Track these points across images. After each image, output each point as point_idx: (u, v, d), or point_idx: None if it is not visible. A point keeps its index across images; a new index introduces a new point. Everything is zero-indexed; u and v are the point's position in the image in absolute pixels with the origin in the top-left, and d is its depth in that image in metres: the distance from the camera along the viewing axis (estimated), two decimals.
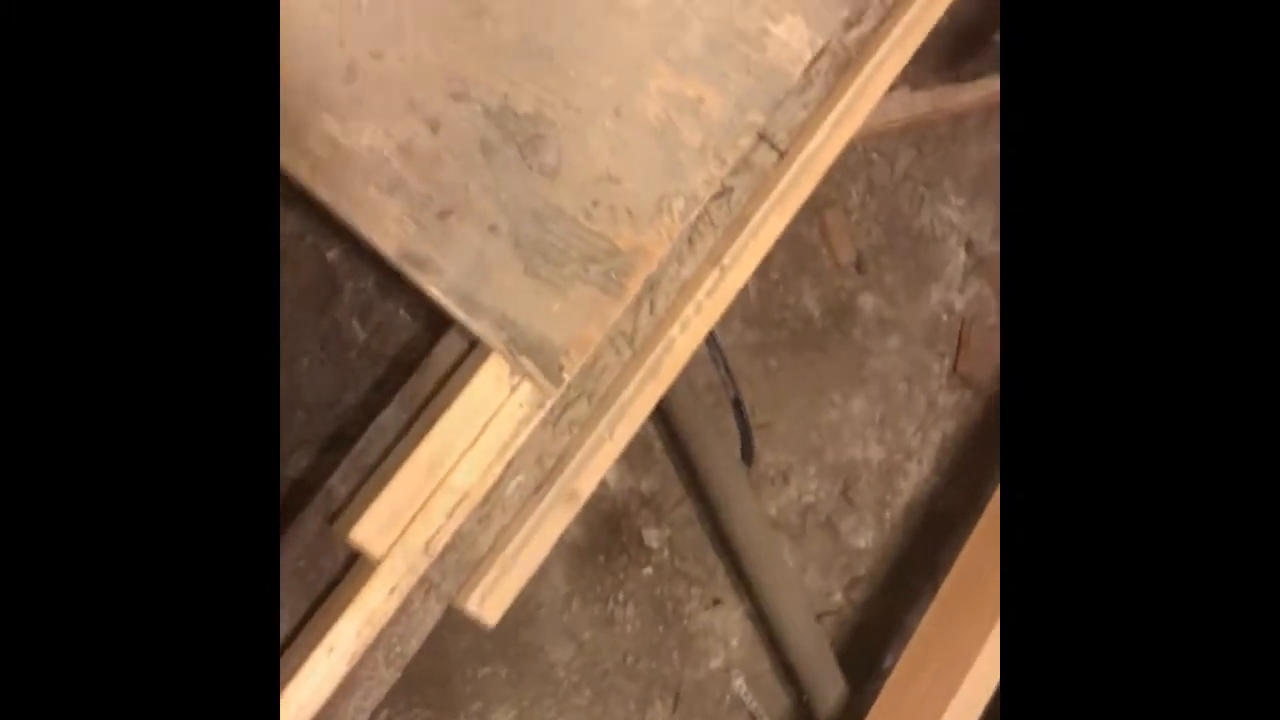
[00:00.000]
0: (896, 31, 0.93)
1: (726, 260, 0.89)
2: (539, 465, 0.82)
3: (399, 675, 0.81)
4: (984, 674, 1.20)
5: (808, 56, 0.88)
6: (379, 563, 0.76)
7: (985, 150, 1.48)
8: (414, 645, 0.81)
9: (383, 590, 0.77)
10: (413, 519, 0.77)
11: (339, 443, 0.79)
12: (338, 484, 0.78)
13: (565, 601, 1.25)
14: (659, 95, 0.83)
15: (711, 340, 1.28)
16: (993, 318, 1.50)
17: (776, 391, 1.39)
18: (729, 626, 1.34)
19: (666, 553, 1.31)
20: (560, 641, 1.25)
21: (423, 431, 0.77)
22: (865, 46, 0.93)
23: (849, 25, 0.92)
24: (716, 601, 1.33)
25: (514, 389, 0.79)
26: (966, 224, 1.48)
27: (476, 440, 0.78)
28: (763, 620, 1.34)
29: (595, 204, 0.81)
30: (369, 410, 0.80)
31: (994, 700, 1.19)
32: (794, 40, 0.88)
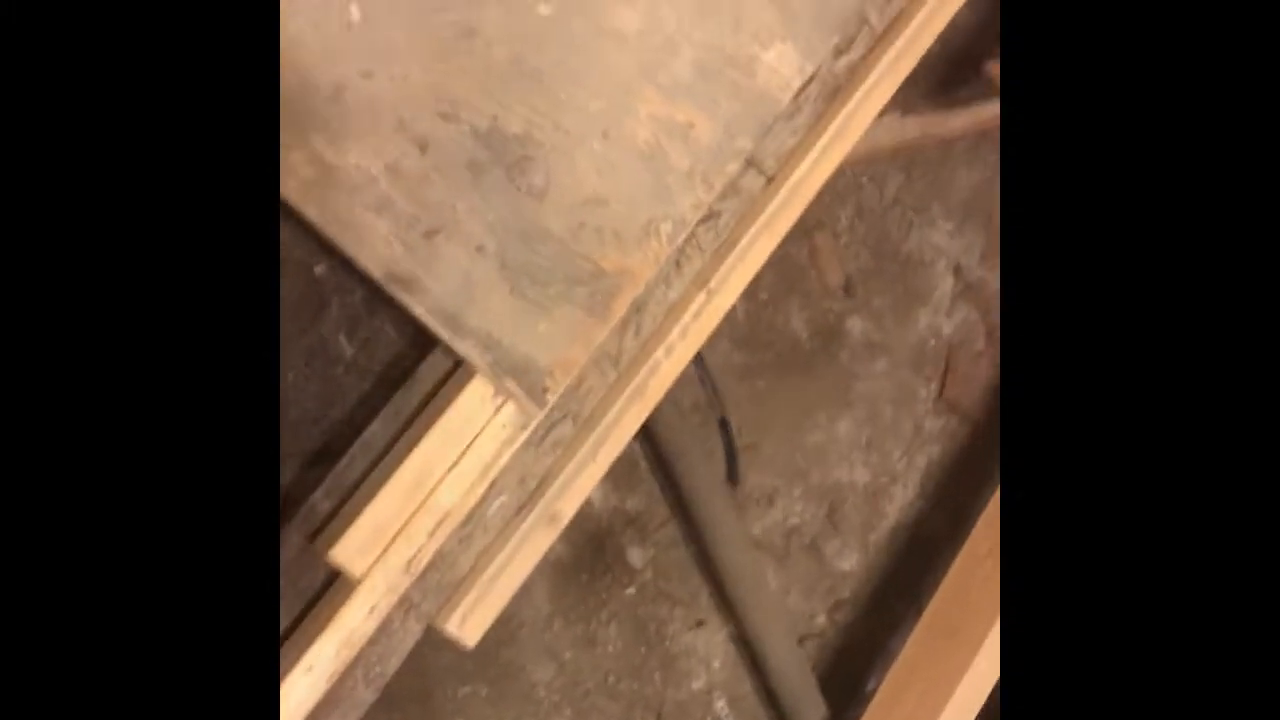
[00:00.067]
0: (886, 60, 0.94)
1: (713, 284, 0.89)
2: (522, 486, 0.82)
3: (377, 695, 0.80)
4: (967, 699, 1.20)
5: (797, 83, 0.89)
6: (359, 582, 0.76)
7: (974, 176, 1.49)
8: (393, 665, 0.81)
9: (362, 610, 0.77)
10: (394, 538, 0.77)
11: (324, 458, 0.79)
12: (320, 500, 0.78)
13: (547, 621, 1.25)
14: (648, 119, 0.83)
15: (699, 361, 1.29)
16: (980, 343, 1.51)
17: (763, 413, 1.39)
18: (711, 648, 1.34)
19: (650, 573, 1.31)
20: (542, 661, 1.24)
21: (406, 451, 0.77)
22: (854, 74, 0.94)
23: (838, 53, 0.93)
24: (699, 623, 1.33)
25: (498, 410, 0.79)
26: (955, 249, 1.49)
27: (459, 460, 0.78)
28: (745, 643, 1.34)
29: (582, 226, 0.81)
30: (354, 426, 0.80)
31: None
32: (783, 67, 0.88)
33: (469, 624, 0.81)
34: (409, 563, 0.78)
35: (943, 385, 1.48)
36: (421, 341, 0.81)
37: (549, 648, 1.25)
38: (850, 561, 1.44)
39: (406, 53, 0.76)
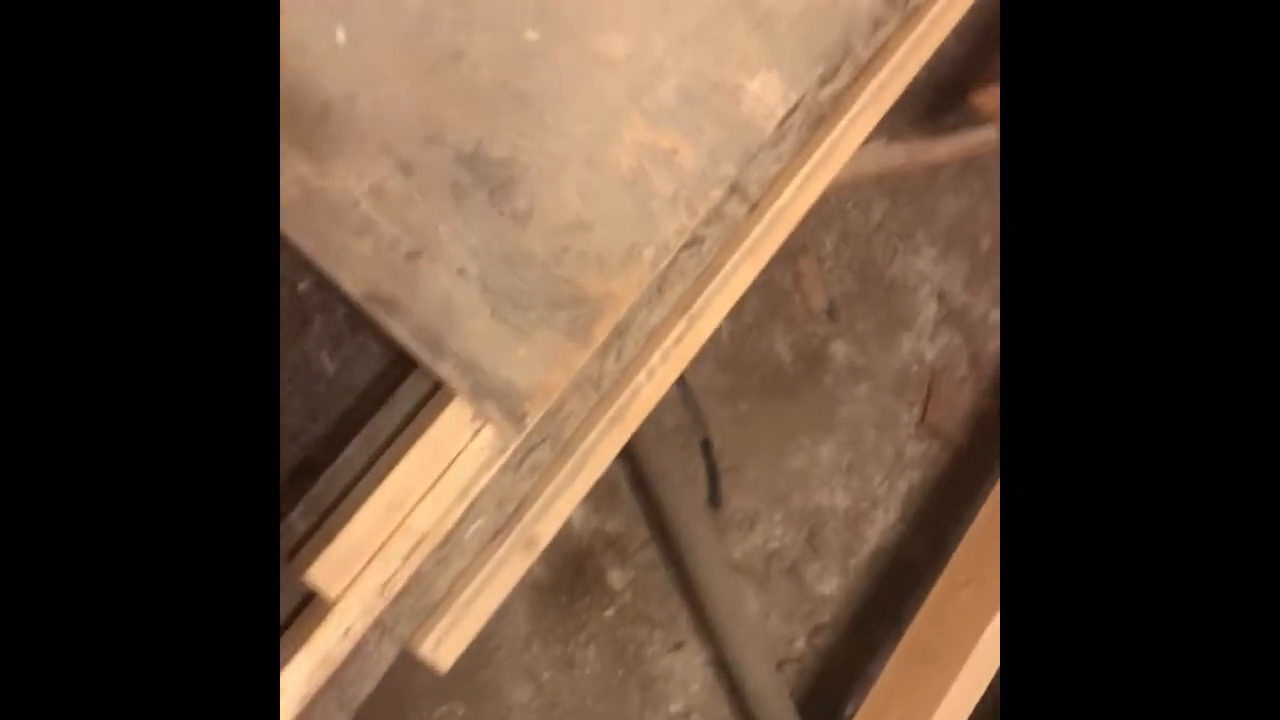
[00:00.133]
0: (870, 89, 0.95)
1: (695, 309, 0.89)
2: (499, 510, 0.82)
3: (351, 718, 0.80)
4: None
5: (781, 111, 0.89)
6: (334, 604, 0.76)
7: (959, 203, 1.50)
8: (367, 688, 0.80)
9: (337, 632, 0.76)
10: (370, 560, 0.77)
11: (303, 475, 0.79)
12: (297, 520, 0.78)
13: (525, 642, 1.24)
14: (633, 145, 0.84)
15: (682, 383, 1.29)
16: (962, 369, 1.51)
17: (746, 436, 1.40)
18: (690, 671, 1.34)
19: (630, 595, 1.30)
20: (519, 682, 1.24)
21: (383, 472, 0.77)
22: (839, 103, 0.94)
23: (823, 81, 0.93)
24: (679, 645, 1.33)
25: (476, 433, 0.78)
26: (939, 275, 1.50)
27: (437, 483, 0.78)
28: (723, 667, 1.34)
29: (565, 250, 0.81)
30: (335, 443, 0.80)
31: None
32: (768, 95, 0.89)
33: (443, 648, 0.81)
34: (384, 585, 0.77)
35: (925, 410, 1.49)
36: (403, 361, 0.81)
37: (527, 669, 1.25)
38: (830, 586, 1.44)
39: (392, 75, 0.76)
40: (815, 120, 0.93)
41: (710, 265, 0.90)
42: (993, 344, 1.54)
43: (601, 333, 0.82)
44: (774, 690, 1.33)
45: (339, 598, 0.76)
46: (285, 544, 0.77)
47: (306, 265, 0.78)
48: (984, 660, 1.18)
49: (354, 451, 0.79)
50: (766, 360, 1.41)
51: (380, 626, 0.79)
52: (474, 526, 0.81)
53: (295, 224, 0.73)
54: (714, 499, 1.36)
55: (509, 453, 0.80)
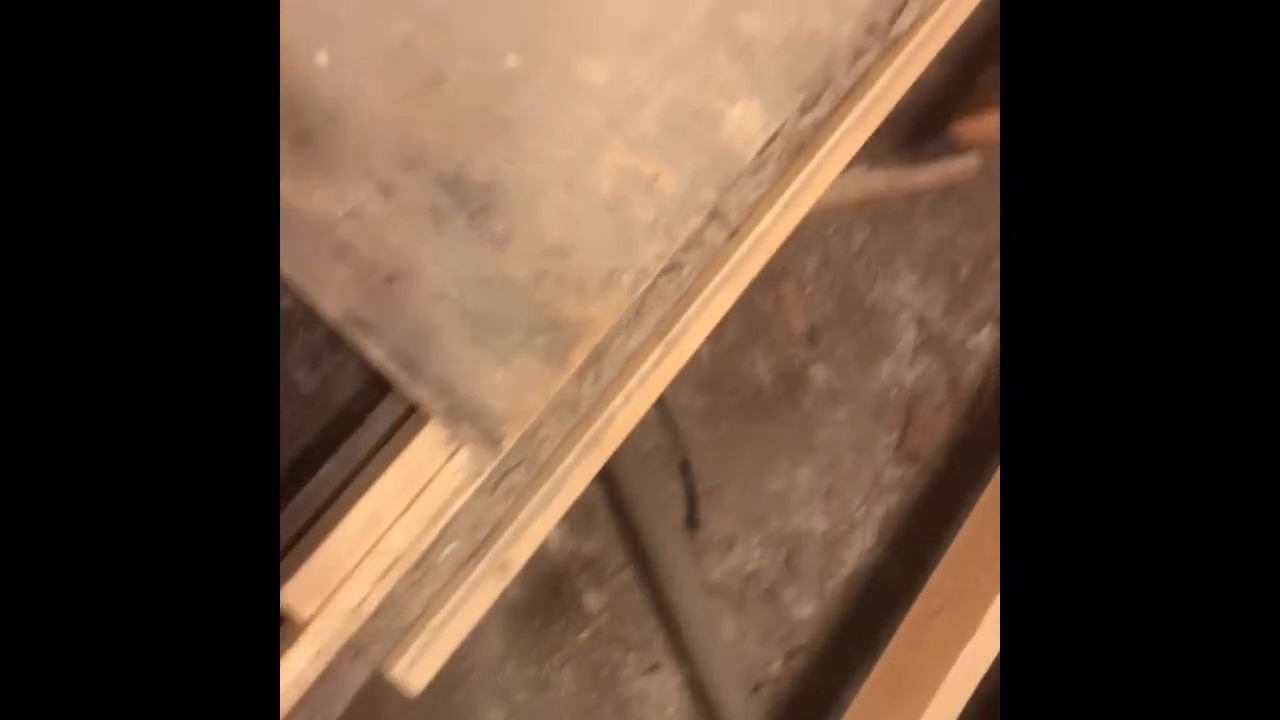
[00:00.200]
0: (851, 118, 0.95)
1: (673, 334, 0.89)
2: (474, 533, 0.82)
3: None
4: None
5: (762, 139, 0.90)
6: (306, 625, 0.75)
7: (939, 230, 1.51)
8: (337, 710, 0.80)
9: (308, 653, 0.76)
10: (343, 582, 0.77)
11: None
12: None
13: (500, 663, 1.24)
14: (614, 170, 0.84)
15: (661, 404, 1.29)
16: (941, 395, 1.52)
17: (725, 457, 1.40)
18: (665, 694, 1.33)
19: (606, 617, 1.30)
20: (493, 703, 1.23)
21: (358, 494, 0.77)
22: (819, 131, 0.95)
23: (804, 110, 0.94)
24: (654, 668, 1.33)
25: (451, 455, 0.79)
26: (918, 301, 1.51)
27: (411, 505, 0.78)
28: (698, 690, 1.33)
29: (544, 275, 0.81)
30: (312, 462, 0.80)
31: None
32: (749, 123, 0.89)
33: (416, 670, 0.81)
34: (357, 606, 0.77)
35: (903, 435, 1.49)
36: (381, 381, 0.81)
37: (501, 690, 1.24)
38: (807, 609, 1.44)
39: (374, 98, 0.76)
40: (795, 148, 0.94)
41: (689, 290, 0.91)
42: (971, 370, 1.55)
43: (579, 357, 0.82)
44: (748, 715, 1.33)
45: (311, 618, 0.76)
46: None
47: (285, 284, 0.78)
48: (957, 687, 1.18)
49: (329, 472, 0.79)
50: (747, 382, 1.42)
51: (353, 648, 0.79)
52: (448, 549, 0.81)
53: None
54: (692, 521, 1.36)
55: (484, 476, 0.81)
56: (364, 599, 0.77)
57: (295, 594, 0.75)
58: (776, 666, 1.42)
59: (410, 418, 0.80)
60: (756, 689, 1.40)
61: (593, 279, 0.83)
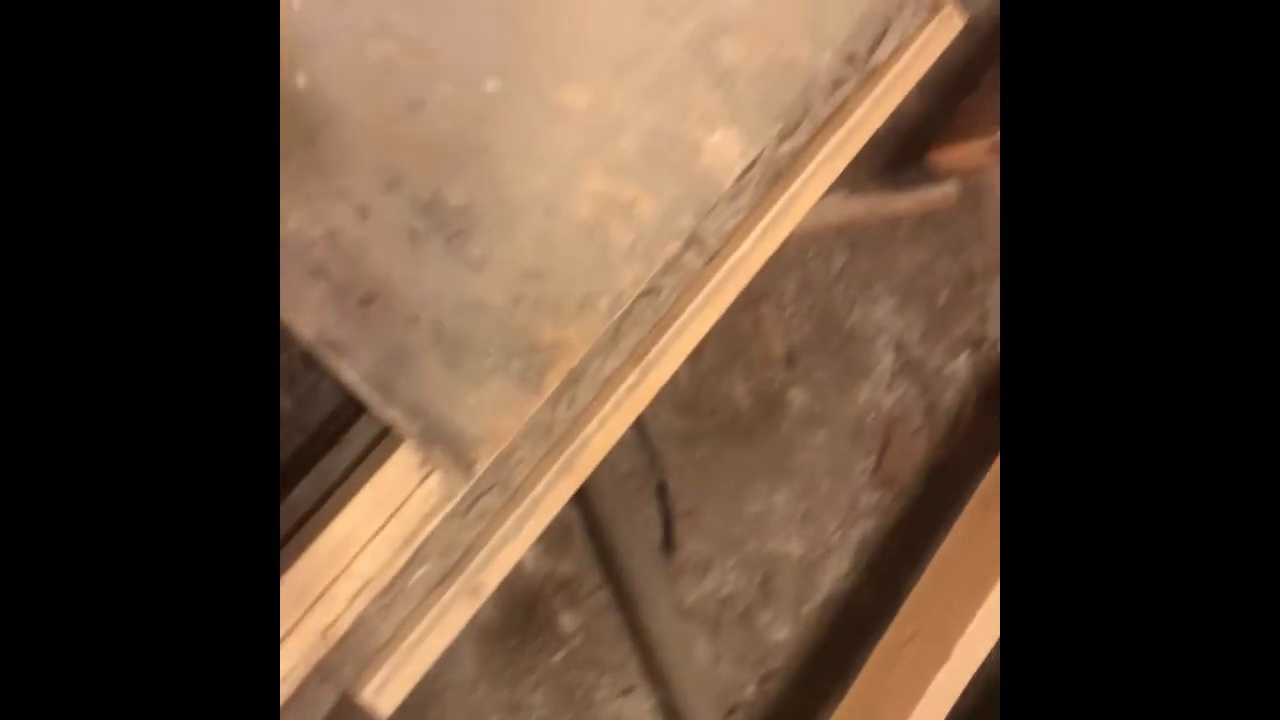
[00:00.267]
0: (828, 147, 0.96)
1: (650, 358, 0.90)
2: (445, 556, 0.82)
3: None
4: None
5: (740, 167, 0.91)
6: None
7: (918, 256, 1.52)
8: None
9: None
10: (313, 604, 0.76)
11: None
12: None
13: (473, 684, 1.23)
14: (592, 196, 0.85)
15: (640, 426, 1.29)
16: (918, 420, 1.53)
17: (703, 480, 1.40)
18: (639, 717, 1.33)
19: (580, 639, 1.30)
20: None
21: (329, 516, 0.77)
22: (797, 159, 0.96)
23: (782, 138, 0.95)
24: (628, 690, 1.32)
25: (424, 478, 0.78)
26: (897, 326, 1.51)
27: (383, 528, 0.78)
28: (672, 712, 1.33)
29: (520, 298, 0.82)
30: (286, 481, 0.80)
31: None
32: (727, 150, 0.90)
33: (385, 694, 0.80)
34: (327, 629, 0.77)
35: (880, 460, 1.50)
36: (356, 402, 0.81)
37: (474, 712, 1.23)
38: (782, 633, 1.44)
39: (353, 121, 0.77)
40: (773, 176, 0.95)
41: (666, 315, 0.91)
42: (948, 396, 1.55)
43: (554, 381, 0.83)
44: None
45: (281, 641, 0.75)
46: None
47: None
48: (930, 714, 1.18)
49: (302, 493, 0.79)
50: (725, 405, 1.42)
51: (321, 671, 0.79)
52: (419, 573, 0.81)
53: None
54: (668, 543, 1.36)
55: (457, 499, 0.80)
56: (334, 621, 0.77)
57: None
58: (751, 690, 1.41)
59: (384, 440, 0.79)
60: (731, 712, 1.39)
61: (569, 303, 0.83)
